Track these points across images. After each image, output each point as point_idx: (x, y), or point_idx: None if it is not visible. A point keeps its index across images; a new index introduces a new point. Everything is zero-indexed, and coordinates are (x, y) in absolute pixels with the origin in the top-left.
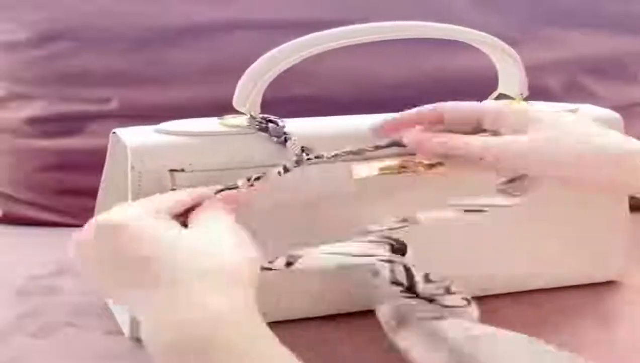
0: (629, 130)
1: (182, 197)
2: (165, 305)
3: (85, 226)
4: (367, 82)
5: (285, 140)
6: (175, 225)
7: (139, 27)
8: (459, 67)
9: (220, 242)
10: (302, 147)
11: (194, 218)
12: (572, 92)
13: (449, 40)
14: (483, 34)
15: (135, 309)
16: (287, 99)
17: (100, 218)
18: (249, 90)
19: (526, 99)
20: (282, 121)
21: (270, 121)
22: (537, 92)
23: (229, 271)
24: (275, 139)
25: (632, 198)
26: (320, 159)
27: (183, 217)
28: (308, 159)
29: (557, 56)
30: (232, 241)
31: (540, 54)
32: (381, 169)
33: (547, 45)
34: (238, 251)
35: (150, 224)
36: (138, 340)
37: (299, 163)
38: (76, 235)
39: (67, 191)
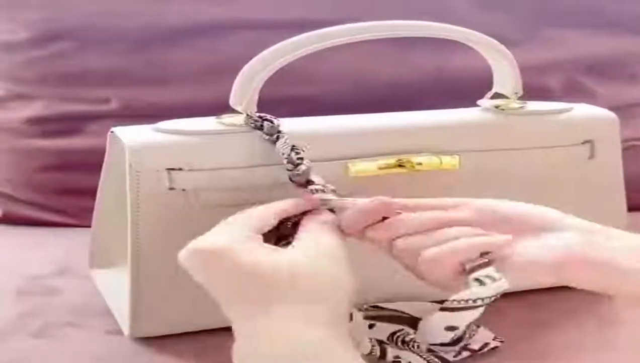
0: (629, 130)
1: (273, 212)
2: (261, 335)
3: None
4: (367, 81)
5: (277, 139)
6: (269, 246)
7: (139, 27)
8: (457, 66)
9: (324, 267)
10: (292, 146)
11: (300, 235)
12: (572, 92)
13: (448, 40)
14: (478, 33)
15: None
16: (287, 99)
17: (197, 243)
18: (245, 89)
19: (522, 98)
20: (277, 120)
21: (266, 119)
22: (537, 92)
23: (332, 302)
24: (267, 137)
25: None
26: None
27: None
28: (298, 159)
29: (557, 56)
30: (335, 267)
31: (540, 54)
32: (379, 166)
33: (547, 45)
34: (342, 279)
35: (247, 248)
36: (138, 340)
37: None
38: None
39: (67, 191)
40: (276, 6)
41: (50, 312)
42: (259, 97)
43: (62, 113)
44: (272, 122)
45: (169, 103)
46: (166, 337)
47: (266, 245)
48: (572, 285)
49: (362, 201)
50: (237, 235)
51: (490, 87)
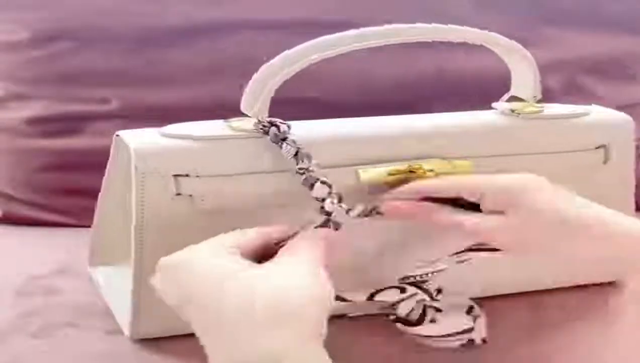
0: None
1: (254, 234)
2: (216, 347)
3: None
4: (369, 83)
5: (282, 145)
6: (242, 261)
7: (139, 27)
8: (460, 68)
9: (287, 280)
10: (296, 152)
11: (278, 255)
12: (572, 92)
13: (450, 42)
14: (498, 35)
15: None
16: (290, 100)
17: (165, 257)
18: (256, 94)
19: (539, 101)
20: (285, 124)
21: (274, 125)
22: None
23: (289, 310)
24: (274, 143)
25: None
26: (307, 171)
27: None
28: (299, 169)
29: (557, 55)
30: (302, 279)
31: (540, 54)
32: (390, 173)
33: (547, 45)
34: (306, 289)
35: (210, 262)
36: (138, 341)
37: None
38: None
39: (67, 191)
40: (276, 6)
41: (50, 312)
42: None
43: (62, 113)
44: (278, 128)
45: (169, 103)
46: (166, 337)
47: (239, 259)
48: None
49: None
50: (208, 248)
51: (493, 89)
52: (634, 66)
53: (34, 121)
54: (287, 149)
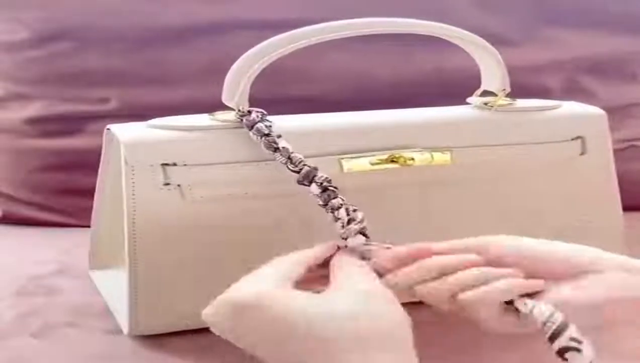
0: (629, 130)
1: (302, 260)
2: None
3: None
4: (367, 82)
5: (261, 136)
6: (303, 292)
7: (139, 27)
8: (457, 67)
9: (369, 304)
10: (260, 137)
11: (333, 279)
12: (572, 92)
13: (447, 40)
14: (462, 30)
15: None
16: (287, 99)
17: (230, 295)
18: (235, 85)
19: (509, 95)
20: (259, 113)
21: (250, 112)
22: (536, 92)
23: (385, 334)
24: (250, 132)
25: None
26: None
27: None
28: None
29: (557, 56)
30: (381, 301)
31: (540, 54)
32: (372, 162)
33: (546, 45)
34: (389, 313)
35: (284, 297)
36: (137, 339)
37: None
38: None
39: (67, 191)
40: (276, 6)
41: (50, 312)
42: (260, 98)
43: (62, 113)
44: (249, 113)
45: (169, 103)
46: (166, 336)
47: (301, 292)
48: (616, 325)
49: (397, 248)
50: (265, 284)
51: None
52: (634, 66)
53: (34, 121)
54: (254, 137)
